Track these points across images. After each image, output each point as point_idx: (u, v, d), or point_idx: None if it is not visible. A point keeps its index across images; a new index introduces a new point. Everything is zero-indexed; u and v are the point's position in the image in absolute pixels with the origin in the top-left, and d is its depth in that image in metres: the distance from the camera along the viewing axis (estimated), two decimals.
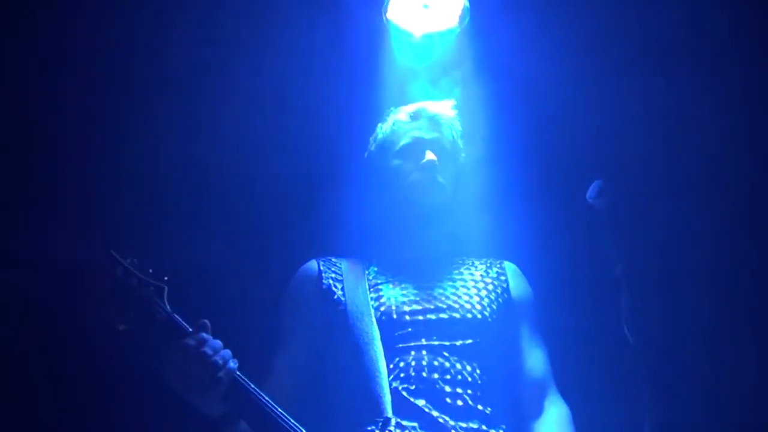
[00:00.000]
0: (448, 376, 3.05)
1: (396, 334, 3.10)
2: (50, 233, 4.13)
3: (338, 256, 3.42)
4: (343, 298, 3.22)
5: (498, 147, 3.83)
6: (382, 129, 3.55)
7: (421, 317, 3.14)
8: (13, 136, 3.98)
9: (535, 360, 3.30)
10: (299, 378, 3.19)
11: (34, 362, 4.48)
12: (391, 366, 3.04)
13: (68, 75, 3.95)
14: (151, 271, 2.79)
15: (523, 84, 4.11)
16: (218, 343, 2.77)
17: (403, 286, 3.25)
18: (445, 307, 3.18)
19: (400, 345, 3.09)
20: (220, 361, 2.73)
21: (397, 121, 3.50)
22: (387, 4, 3.92)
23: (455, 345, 3.11)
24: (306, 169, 4.08)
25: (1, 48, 3.85)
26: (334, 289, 3.25)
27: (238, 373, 2.77)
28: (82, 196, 3.81)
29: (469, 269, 3.39)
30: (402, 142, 3.44)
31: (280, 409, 2.79)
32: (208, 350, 2.72)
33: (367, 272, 3.32)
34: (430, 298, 3.21)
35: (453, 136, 3.49)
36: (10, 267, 4.56)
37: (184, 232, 3.82)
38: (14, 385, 4.30)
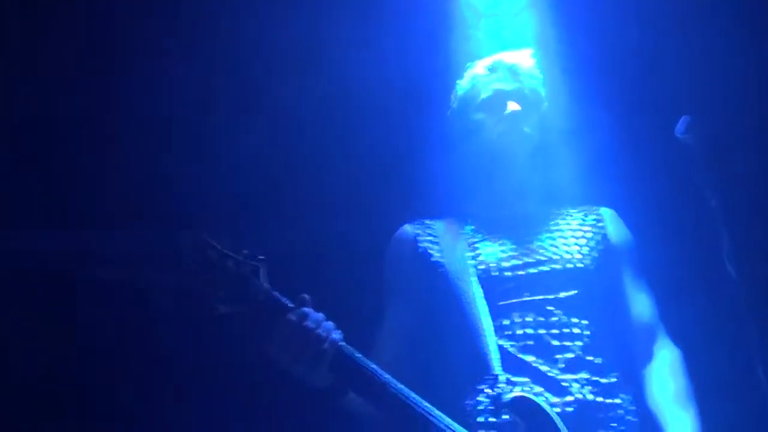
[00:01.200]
0: (555, 330, 3.00)
1: (498, 291, 3.06)
2: (142, 225, 4.19)
3: (432, 218, 3.39)
4: (441, 260, 3.19)
5: (581, 89, 3.75)
6: (462, 85, 3.49)
7: (521, 272, 3.09)
8: (103, 134, 4.03)
9: (642, 305, 3.23)
10: (404, 344, 3.17)
11: (138, 356, 4.56)
12: (497, 324, 3.01)
13: (164, 65, 3.98)
14: (246, 251, 2.79)
15: (602, 17, 4.01)
16: (320, 315, 2.76)
17: (501, 242, 3.20)
18: (545, 259, 3.13)
19: (503, 302, 3.05)
20: (324, 334, 2.73)
21: (476, 76, 3.43)
22: None
23: (559, 297, 3.06)
24: (391, 137, 4.06)
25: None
26: (430, 251, 3.22)
27: (342, 343, 2.76)
28: (169, 184, 3.85)
29: (565, 219, 3.32)
30: (482, 96, 3.37)
31: (387, 376, 2.77)
32: (310, 324, 2.72)
33: (463, 231, 3.28)
34: (529, 251, 3.15)
35: (533, 85, 3.41)
36: (105, 263, 4.65)
37: (276, 211, 3.84)
38: (120, 380, 4.39)
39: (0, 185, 4.23)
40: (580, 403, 2.92)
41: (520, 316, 3.02)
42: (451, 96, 3.54)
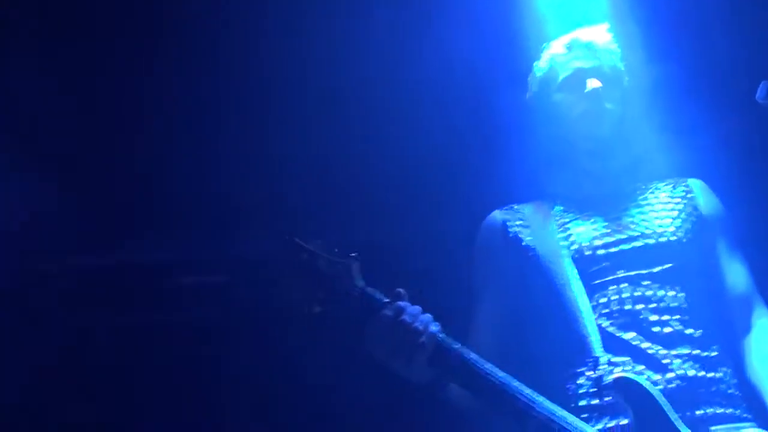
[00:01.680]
0: (653, 305, 2.96)
1: (592, 270, 3.02)
2: (233, 231, 4.26)
3: (520, 202, 3.36)
4: (532, 244, 3.16)
5: (659, 58, 3.69)
6: (540, 66, 3.45)
7: (614, 249, 3.05)
8: (196, 142, 4.07)
9: (737, 275, 3.17)
10: (501, 331, 3.15)
11: (234, 362, 4.63)
12: (593, 303, 2.97)
13: (257, 69, 4.01)
14: (336, 250, 2.80)
15: None
16: (417, 308, 2.76)
17: (592, 220, 3.16)
18: (637, 234, 3.08)
19: (598, 281, 3.01)
20: (421, 327, 2.72)
21: (553, 56, 3.39)
22: None
23: (653, 272, 3.01)
24: (472, 125, 4.04)
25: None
26: (521, 236, 3.20)
27: (441, 335, 2.75)
28: (257, 190, 3.89)
29: (654, 192, 3.27)
30: (562, 76, 3.33)
31: (489, 365, 2.75)
32: (407, 318, 2.71)
33: (552, 213, 3.25)
34: (620, 228, 3.11)
35: (612, 60, 3.36)
36: (206, 270, 4.74)
37: (363, 207, 3.85)
38: (218, 381, 4.47)
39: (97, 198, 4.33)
40: (682, 379, 2.87)
41: (616, 294, 2.98)
42: (529, 79, 3.51)
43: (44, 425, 5.34)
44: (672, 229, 3.10)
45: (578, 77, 3.28)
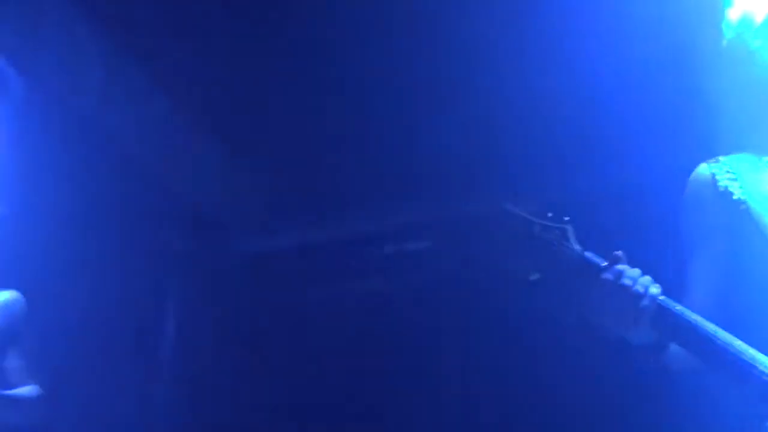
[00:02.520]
0: None
1: None
2: (438, 197, 4.29)
3: (726, 154, 3.25)
4: (743, 197, 3.05)
5: None
6: (734, 13, 3.33)
7: None
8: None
9: None
10: (716, 290, 3.06)
11: (448, 329, 4.67)
12: None
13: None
14: (550, 214, 2.77)
15: None
16: (636, 271, 2.70)
17: None
18: None
19: None
20: (642, 290, 2.67)
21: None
22: None
23: None
24: (676, 77, 3.93)
25: None
26: (731, 189, 3.09)
27: (662, 297, 2.70)
28: (465, 154, 3.87)
29: None
30: (759, 21, 3.21)
31: (712, 326, 2.68)
32: (627, 281, 2.67)
33: (761, 164, 3.13)
34: None
35: None
36: (408, 238, 4.77)
37: (571, 169, 3.81)
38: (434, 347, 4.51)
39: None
40: None
41: None
42: (722, 26, 3.39)
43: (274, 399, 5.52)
44: None
45: None
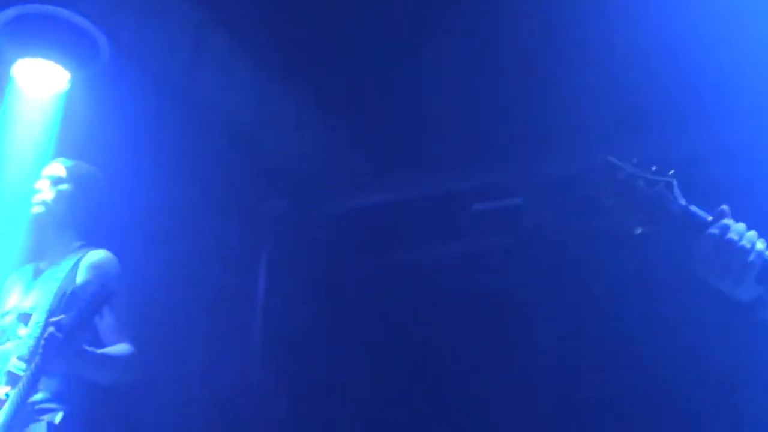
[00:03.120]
0: None
1: None
2: (540, 154, 4.24)
3: None
4: None
5: None
6: None
7: None
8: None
9: None
10: None
11: (539, 286, 4.63)
12: None
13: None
14: (654, 168, 2.71)
15: None
16: (742, 226, 2.63)
17: None
18: None
19: None
20: (748, 245, 2.60)
21: None
22: None
23: None
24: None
25: None
26: None
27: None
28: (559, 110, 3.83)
29: None
30: None
31: None
32: (733, 236, 2.60)
33: None
34: None
35: None
36: (499, 195, 4.73)
37: (668, 122, 3.74)
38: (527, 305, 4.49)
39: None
40: None
41: None
42: None
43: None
44: None
45: None
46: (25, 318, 3.92)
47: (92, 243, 4.10)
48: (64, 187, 4.13)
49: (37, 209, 4.12)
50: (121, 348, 3.83)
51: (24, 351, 3.79)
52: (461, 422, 5.76)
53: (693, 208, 2.66)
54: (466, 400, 5.73)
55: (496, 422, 5.58)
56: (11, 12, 4.36)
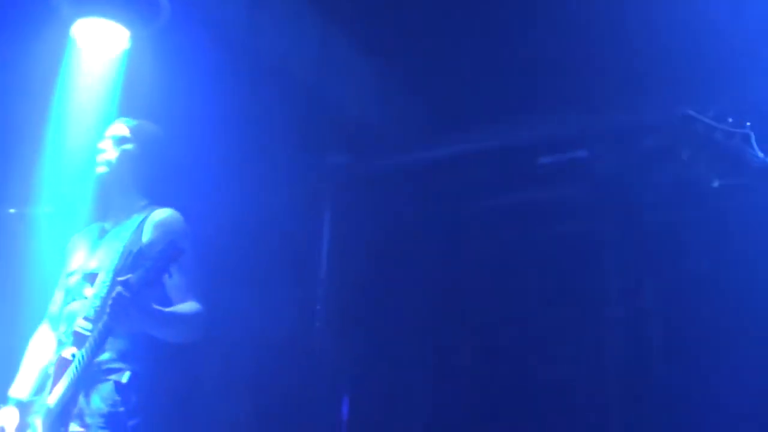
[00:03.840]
0: None
1: None
2: (599, 104, 4.14)
3: None
4: None
5: None
6: None
7: None
8: None
9: None
10: None
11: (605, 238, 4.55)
12: None
13: None
14: (731, 119, 2.62)
15: None
16: None
17: None
18: None
19: None
20: None
21: None
22: None
23: None
24: None
25: None
26: None
27: None
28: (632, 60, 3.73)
29: None
30: None
31: None
32: None
33: None
34: None
35: None
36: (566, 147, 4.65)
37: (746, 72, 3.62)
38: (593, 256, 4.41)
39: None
40: None
41: None
42: None
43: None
44: None
45: None
46: (90, 278, 3.93)
47: (157, 202, 4.09)
48: (128, 146, 4.12)
49: (101, 169, 4.11)
50: (188, 306, 3.82)
51: (90, 311, 3.79)
52: (523, 370, 5.73)
53: None
54: (529, 344, 5.69)
55: (562, 375, 5.54)
56: None
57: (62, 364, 3.75)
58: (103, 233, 4.11)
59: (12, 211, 4.35)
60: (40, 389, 3.94)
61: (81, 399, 3.72)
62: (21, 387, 4.00)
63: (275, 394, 5.38)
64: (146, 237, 3.92)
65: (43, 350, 4.06)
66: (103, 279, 3.85)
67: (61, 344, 3.88)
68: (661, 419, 4.97)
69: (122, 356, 3.80)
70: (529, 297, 5.68)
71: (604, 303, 5.00)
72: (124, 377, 3.75)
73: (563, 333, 5.52)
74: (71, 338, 3.78)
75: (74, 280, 4.00)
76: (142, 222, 3.98)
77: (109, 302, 3.54)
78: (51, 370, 3.83)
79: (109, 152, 4.11)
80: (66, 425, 3.67)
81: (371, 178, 5.75)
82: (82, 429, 3.67)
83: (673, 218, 4.35)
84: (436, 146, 5.60)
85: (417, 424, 6.09)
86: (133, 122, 4.20)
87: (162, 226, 3.95)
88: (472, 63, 4.85)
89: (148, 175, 4.13)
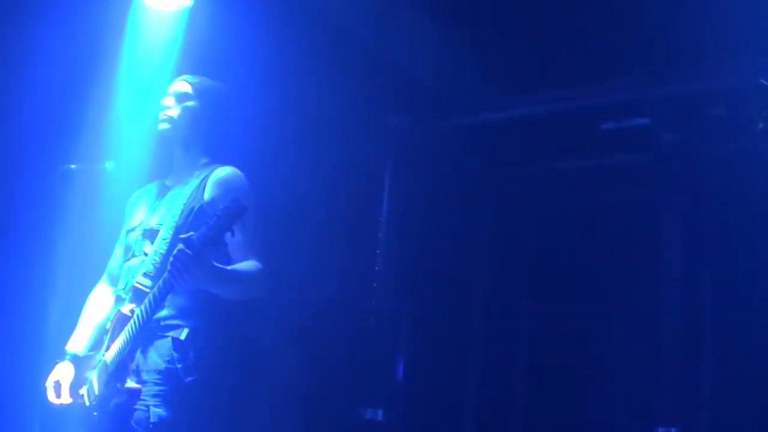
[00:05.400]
0: None
1: None
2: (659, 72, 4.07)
3: None
4: None
5: None
6: None
7: None
8: None
9: None
10: None
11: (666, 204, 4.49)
12: None
13: None
14: None
15: None
16: None
17: None
18: None
19: None
20: None
21: None
22: None
23: None
24: None
25: None
26: None
27: None
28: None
29: None
30: None
31: None
32: None
33: None
34: None
35: None
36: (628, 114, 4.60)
37: None
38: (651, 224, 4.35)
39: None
40: None
41: None
42: None
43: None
44: None
45: None
46: (151, 235, 3.95)
47: (218, 159, 4.09)
48: (190, 103, 4.11)
49: (163, 126, 4.11)
50: (249, 264, 3.81)
51: (150, 267, 3.81)
52: (579, 333, 5.71)
53: None
54: (583, 308, 5.68)
55: (619, 340, 5.52)
56: None
57: (120, 320, 3.78)
58: (164, 190, 4.11)
59: (73, 167, 4.35)
60: (97, 345, 3.98)
61: (138, 355, 3.76)
62: (78, 342, 4.04)
63: (331, 355, 5.39)
64: (208, 195, 3.91)
65: (101, 306, 4.10)
66: (164, 236, 3.86)
67: (119, 300, 3.91)
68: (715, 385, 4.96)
69: (181, 313, 3.81)
70: (586, 262, 5.64)
71: (660, 274, 4.95)
72: (183, 334, 3.77)
73: (620, 300, 5.48)
74: (130, 294, 3.81)
75: (134, 236, 4.02)
76: (204, 179, 3.97)
77: (171, 259, 3.54)
78: (109, 326, 3.87)
79: (171, 109, 4.11)
80: (122, 381, 3.70)
81: (432, 140, 5.72)
82: (138, 385, 3.70)
83: (739, 190, 4.27)
84: (497, 109, 5.55)
85: (470, 385, 6.10)
86: (195, 79, 4.19)
87: (224, 184, 3.95)
88: (535, 26, 4.78)
89: (209, 132, 4.13)
